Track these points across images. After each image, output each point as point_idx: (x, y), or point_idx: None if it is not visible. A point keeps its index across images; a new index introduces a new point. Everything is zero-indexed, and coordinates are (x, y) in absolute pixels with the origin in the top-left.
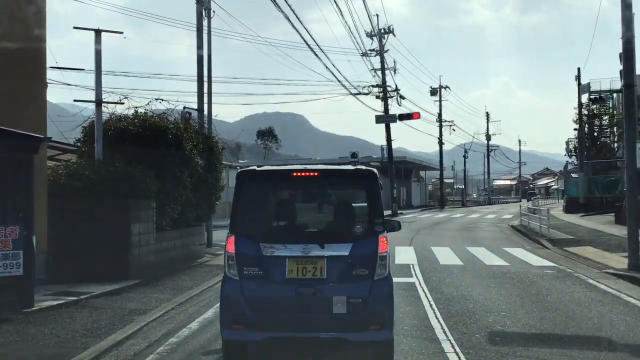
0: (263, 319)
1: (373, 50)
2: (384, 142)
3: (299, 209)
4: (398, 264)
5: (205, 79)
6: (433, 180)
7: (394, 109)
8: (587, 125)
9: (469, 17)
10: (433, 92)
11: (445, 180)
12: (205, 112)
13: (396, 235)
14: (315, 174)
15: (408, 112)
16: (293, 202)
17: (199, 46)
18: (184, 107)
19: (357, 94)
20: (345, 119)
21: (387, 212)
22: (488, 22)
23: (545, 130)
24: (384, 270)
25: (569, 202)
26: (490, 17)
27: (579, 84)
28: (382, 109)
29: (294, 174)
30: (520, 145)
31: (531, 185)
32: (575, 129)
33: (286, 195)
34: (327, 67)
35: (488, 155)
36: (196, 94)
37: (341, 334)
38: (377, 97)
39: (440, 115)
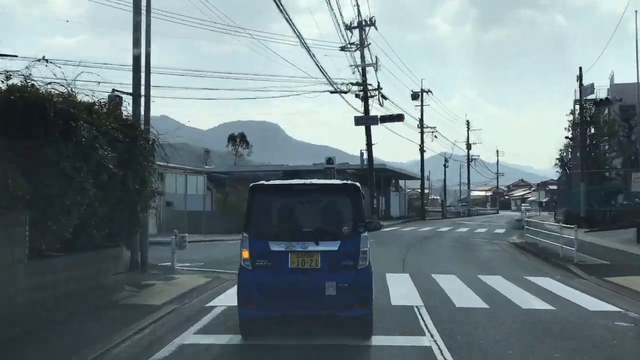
0: (271, 301)
1: (353, 44)
2: (358, 151)
3: (298, 214)
4: (397, 306)
5: (143, 58)
6: (408, 190)
7: (375, 111)
8: (580, 134)
9: (433, 32)
10: (415, 96)
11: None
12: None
13: (385, 254)
14: (311, 187)
15: (391, 114)
16: (293, 209)
17: (136, 28)
18: (113, 90)
19: (334, 91)
20: (320, 130)
21: None
22: (451, 36)
23: (514, 143)
24: (364, 262)
25: (569, 215)
26: (455, 32)
27: (581, 84)
28: (362, 109)
29: (295, 187)
30: (498, 155)
31: (507, 197)
32: (567, 137)
33: (288, 203)
34: (312, 58)
35: (469, 164)
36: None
37: (332, 312)
38: (357, 95)
39: (421, 120)
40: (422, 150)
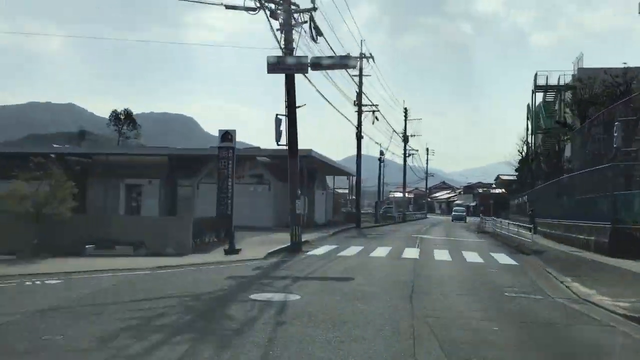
0: None
1: None
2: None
3: None
4: None
5: None
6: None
7: (305, 51)
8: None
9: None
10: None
11: (341, 191)
12: None
13: None
14: None
15: (330, 55)
16: None
17: None
18: None
19: (232, 7)
20: (240, 126)
21: (282, 236)
22: (367, 43)
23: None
24: None
25: (617, 235)
26: (370, 39)
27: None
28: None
29: None
30: (427, 154)
31: (430, 199)
32: (558, 122)
33: None
34: None
35: (405, 160)
36: None
37: None
38: (272, 13)
39: (359, 95)
40: (359, 136)
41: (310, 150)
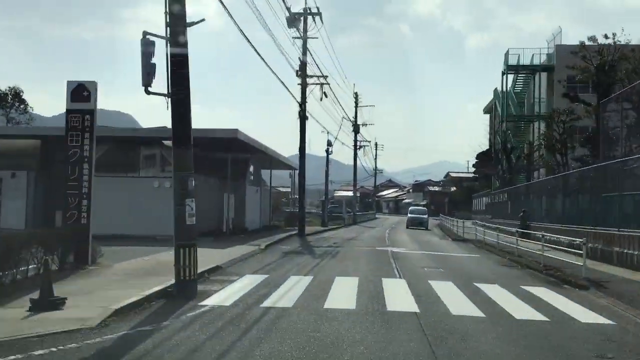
0: None
1: None
2: None
3: None
4: None
5: None
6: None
7: None
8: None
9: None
10: (292, 19)
11: (282, 189)
12: None
13: None
14: None
15: None
16: None
17: None
18: None
19: None
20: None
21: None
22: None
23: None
24: None
25: None
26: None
27: None
28: None
29: None
30: (376, 148)
31: (377, 198)
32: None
33: None
34: None
35: (356, 152)
36: None
37: None
38: None
39: (304, 65)
40: (303, 116)
41: (235, 131)
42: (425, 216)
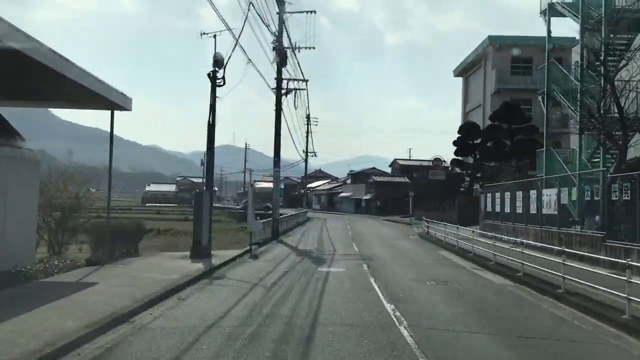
0: None
1: None
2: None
3: None
4: None
5: None
6: (178, 178)
7: None
8: None
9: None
10: None
11: (194, 179)
12: None
13: None
14: None
15: None
16: None
17: None
18: None
19: None
20: (97, 113)
21: None
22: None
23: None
24: None
25: None
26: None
27: None
28: None
29: None
30: (309, 123)
31: (304, 191)
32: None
33: None
34: None
35: (279, 95)
36: None
37: None
38: None
39: None
40: None
41: None
42: None
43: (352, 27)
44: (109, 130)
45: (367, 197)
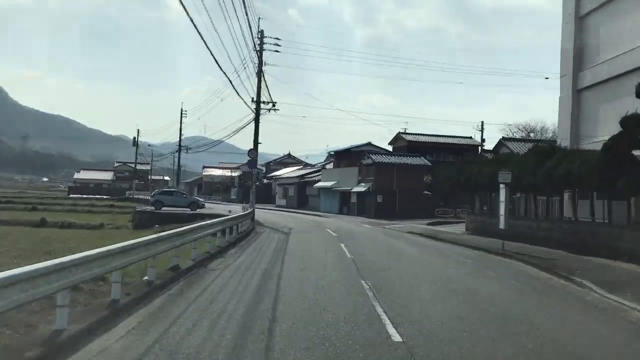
0: None
1: None
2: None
3: None
4: None
5: None
6: (116, 164)
7: None
8: None
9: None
10: None
11: (140, 166)
12: None
13: None
14: None
15: None
16: None
17: None
18: None
19: None
20: (59, 98)
21: None
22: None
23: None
24: None
25: None
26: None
27: None
28: None
29: None
30: (261, 75)
31: (266, 180)
32: None
33: None
34: None
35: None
36: None
37: None
38: None
39: None
40: None
41: None
42: None
43: (322, 20)
44: (70, 117)
45: (361, 188)
